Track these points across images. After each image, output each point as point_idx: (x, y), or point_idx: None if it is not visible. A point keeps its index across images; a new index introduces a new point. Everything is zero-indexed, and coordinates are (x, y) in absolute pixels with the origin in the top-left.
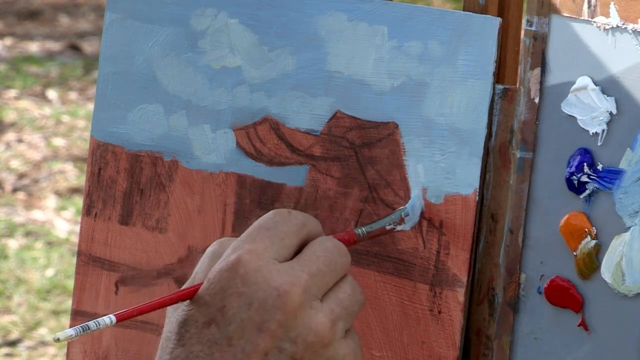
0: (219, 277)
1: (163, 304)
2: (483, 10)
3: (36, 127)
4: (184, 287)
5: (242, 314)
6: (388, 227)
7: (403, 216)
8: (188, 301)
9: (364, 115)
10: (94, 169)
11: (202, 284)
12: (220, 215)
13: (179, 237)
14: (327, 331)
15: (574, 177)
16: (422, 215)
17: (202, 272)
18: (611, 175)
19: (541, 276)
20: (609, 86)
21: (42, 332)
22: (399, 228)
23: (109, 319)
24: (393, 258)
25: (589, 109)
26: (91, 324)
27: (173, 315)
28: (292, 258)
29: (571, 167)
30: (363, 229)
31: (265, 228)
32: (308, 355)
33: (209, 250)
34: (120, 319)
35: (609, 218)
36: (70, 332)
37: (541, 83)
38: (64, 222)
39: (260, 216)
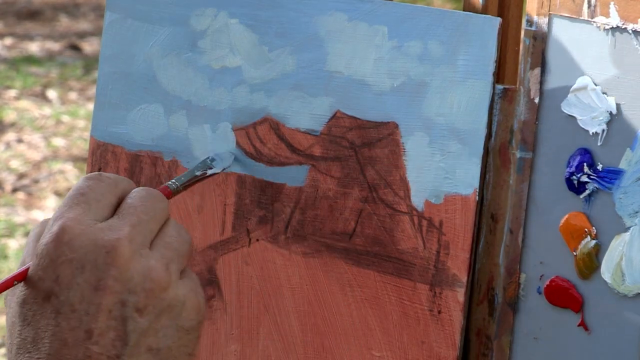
0: (46, 250)
1: None
2: (483, 10)
3: (36, 127)
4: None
5: (77, 279)
6: (198, 173)
7: (209, 162)
8: (23, 282)
9: (364, 115)
10: (94, 169)
11: (30, 265)
12: (220, 215)
13: None
14: (162, 275)
15: (574, 177)
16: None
17: (30, 255)
18: (611, 175)
19: (541, 276)
20: (609, 86)
21: None
22: (210, 172)
23: None
24: (393, 258)
25: (589, 109)
26: None
27: (12, 300)
28: (112, 216)
29: (571, 167)
30: (174, 181)
31: (80, 194)
32: (151, 302)
33: (31, 233)
34: None
35: (609, 218)
36: None
37: (541, 83)
38: None
39: (260, 217)
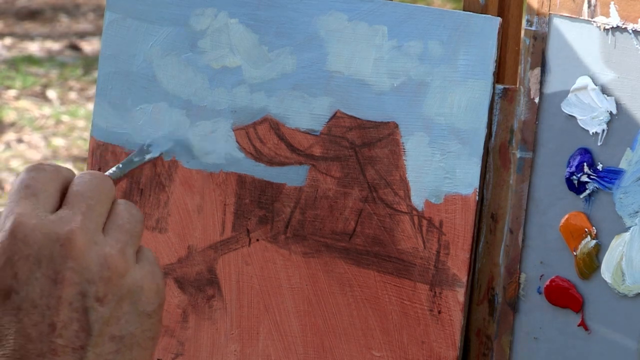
0: (2, 248)
1: None
2: (483, 10)
3: (36, 127)
4: None
5: (36, 274)
6: (137, 160)
7: (146, 147)
8: None
9: (364, 115)
10: (94, 169)
11: None
12: (220, 215)
13: (178, 237)
14: (119, 262)
15: (574, 177)
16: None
17: None
18: (611, 175)
19: (541, 276)
20: (609, 86)
21: None
22: (148, 157)
23: None
24: (393, 258)
25: (589, 109)
26: None
27: None
28: (59, 205)
29: (571, 167)
30: (115, 169)
31: (25, 186)
32: (110, 290)
33: None
34: None
35: (609, 218)
36: None
37: (541, 83)
38: None
39: (260, 217)
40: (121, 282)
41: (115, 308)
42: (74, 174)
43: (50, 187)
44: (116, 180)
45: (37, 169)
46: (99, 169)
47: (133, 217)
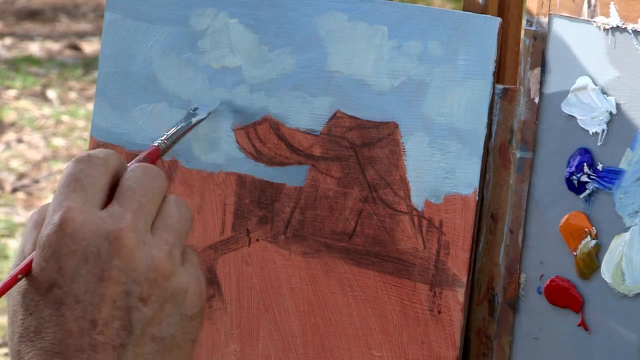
0: (49, 241)
1: (4, 290)
2: (483, 10)
3: (36, 127)
4: (15, 263)
5: (81, 270)
6: (184, 125)
7: (192, 111)
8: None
9: (364, 115)
10: None
11: (33, 257)
12: (220, 215)
13: None
14: (165, 264)
15: (574, 177)
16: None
17: (30, 243)
18: (611, 175)
19: (541, 276)
20: (609, 86)
21: None
22: (195, 120)
23: None
24: (393, 258)
25: (589, 109)
26: None
27: (14, 289)
28: (109, 198)
29: (571, 167)
30: (163, 139)
31: (74, 180)
32: (154, 292)
33: (30, 220)
34: None
35: (609, 218)
36: None
37: (541, 83)
38: None
39: (260, 217)
40: (166, 285)
41: (159, 309)
42: (124, 165)
43: (100, 180)
44: (165, 149)
45: (86, 161)
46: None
47: (182, 215)
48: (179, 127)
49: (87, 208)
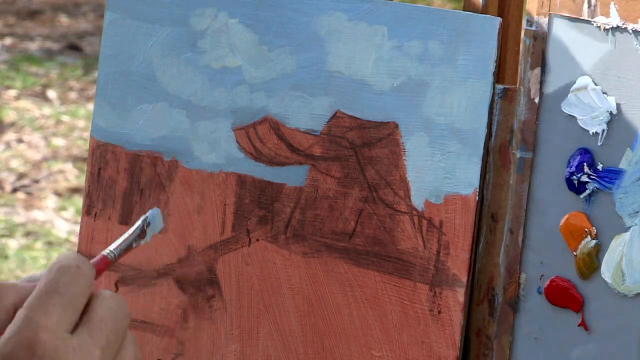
0: (14, 356)
1: None
2: (483, 10)
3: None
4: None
5: None
6: (134, 237)
7: (145, 227)
8: None
9: (364, 115)
10: (94, 169)
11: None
12: (220, 215)
13: (178, 237)
14: None
15: (574, 177)
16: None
17: (12, 299)
18: (611, 175)
19: (541, 276)
20: (609, 86)
21: None
22: (142, 242)
23: None
24: (393, 258)
25: (589, 109)
26: None
27: None
28: (80, 318)
29: (571, 167)
30: (112, 249)
31: (56, 293)
32: None
33: (21, 280)
34: None
35: (609, 218)
36: None
37: (541, 83)
38: (63, 222)
39: (260, 217)
40: None
41: None
42: (93, 279)
43: (80, 300)
44: (114, 260)
45: (72, 274)
46: (99, 169)
47: (138, 354)
48: (130, 238)
49: (60, 333)
